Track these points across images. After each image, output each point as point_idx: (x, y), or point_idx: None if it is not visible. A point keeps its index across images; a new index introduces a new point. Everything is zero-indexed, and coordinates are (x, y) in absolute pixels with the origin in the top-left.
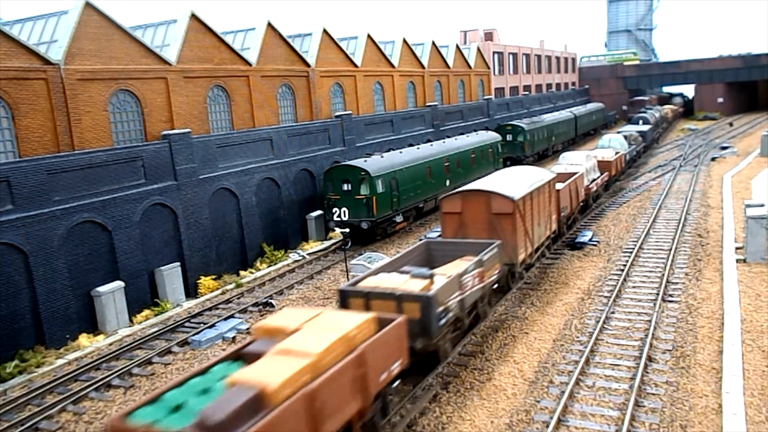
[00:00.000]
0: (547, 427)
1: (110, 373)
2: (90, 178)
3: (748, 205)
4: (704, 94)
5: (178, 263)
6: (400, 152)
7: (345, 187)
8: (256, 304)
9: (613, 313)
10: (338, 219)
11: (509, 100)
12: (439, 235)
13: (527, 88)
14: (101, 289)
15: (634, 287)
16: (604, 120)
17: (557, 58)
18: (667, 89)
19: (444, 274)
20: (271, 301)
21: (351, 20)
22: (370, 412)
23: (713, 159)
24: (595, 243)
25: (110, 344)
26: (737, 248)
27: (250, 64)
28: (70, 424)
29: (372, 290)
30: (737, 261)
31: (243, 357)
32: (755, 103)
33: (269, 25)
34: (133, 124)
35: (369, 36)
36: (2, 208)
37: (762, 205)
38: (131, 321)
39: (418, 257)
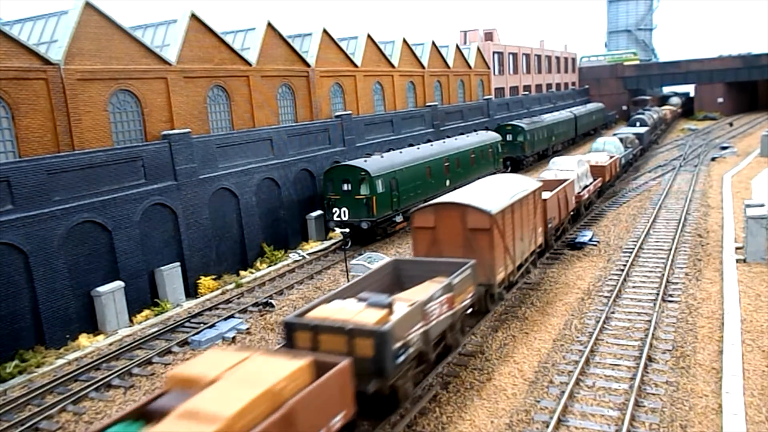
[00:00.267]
0: (547, 427)
1: (110, 373)
2: (90, 178)
3: (748, 205)
4: (704, 94)
5: (178, 263)
6: (400, 152)
7: (345, 187)
8: (256, 304)
9: (613, 313)
10: (338, 219)
11: (509, 100)
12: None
13: (527, 88)
14: (101, 289)
15: (634, 287)
16: (604, 120)
17: (557, 58)
18: (667, 89)
19: (409, 300)
20: (271, 301)
21: (351, 20)
22: None
23: (713, 159)
24: (595, 243)
25: (110, 344)
26: (737, 248)
27: (250, 64)
28: (70, 424)
29: (320, 323)
30: (737, 261)
31: (147, 415)
32: (755, 103)
33: (269, 25)
34: (133, 124)
35: (369, 36)
36: (2, 208)
37: (762, 205)
38: (131, 321)
39: (384, 278)
